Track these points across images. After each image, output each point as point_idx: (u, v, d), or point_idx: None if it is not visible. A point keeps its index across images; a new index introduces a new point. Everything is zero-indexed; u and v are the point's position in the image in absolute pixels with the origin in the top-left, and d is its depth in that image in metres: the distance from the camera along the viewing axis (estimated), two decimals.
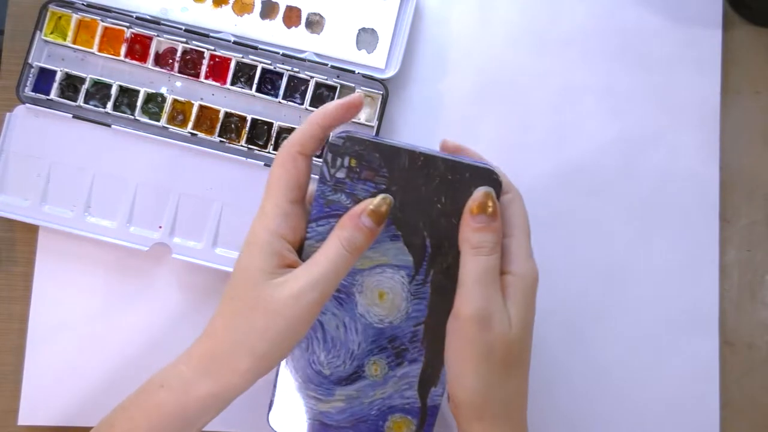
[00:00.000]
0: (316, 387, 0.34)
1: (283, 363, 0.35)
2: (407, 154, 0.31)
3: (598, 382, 0.45)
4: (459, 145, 0.35)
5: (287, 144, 0.32)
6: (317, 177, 0.32)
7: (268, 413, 0.35)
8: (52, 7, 0.42)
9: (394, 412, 0.35)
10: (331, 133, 0.32)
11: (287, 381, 0.34)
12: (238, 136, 0.43)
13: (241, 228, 0.42)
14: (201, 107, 0.43)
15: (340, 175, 0.31)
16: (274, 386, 0.35)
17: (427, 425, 0.35)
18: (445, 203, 0.32)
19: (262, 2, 0.44)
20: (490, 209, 0.31)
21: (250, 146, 0.43)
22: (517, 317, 0.31)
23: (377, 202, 0.31)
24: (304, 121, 0.33)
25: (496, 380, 0.31)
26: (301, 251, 0.32)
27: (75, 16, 0.42)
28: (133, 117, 0.42)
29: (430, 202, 0.32)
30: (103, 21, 0.43)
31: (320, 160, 0.32)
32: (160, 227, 0.42)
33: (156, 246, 0.42)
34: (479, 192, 0.31)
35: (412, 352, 0.34)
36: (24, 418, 0.42)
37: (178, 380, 0.32)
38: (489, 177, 0.32)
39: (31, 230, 0.43)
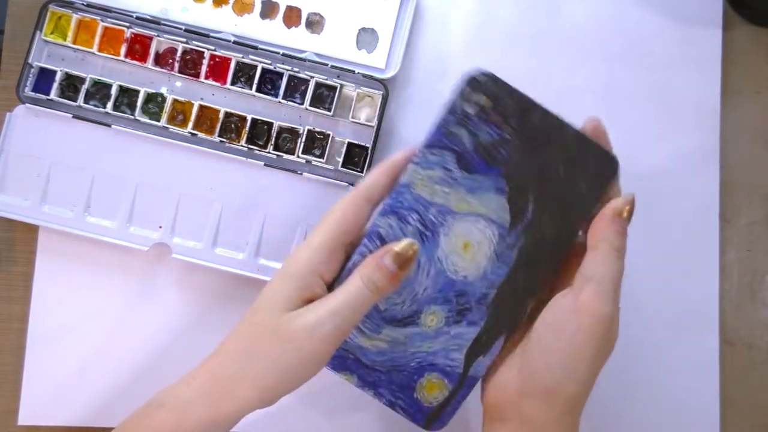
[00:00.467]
0: (366, 319, 0.32)
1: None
2: (543, 113, 0.31)
3: (597, 382, 0.45)
4: (600, 127, 0.33)
5: (357, 188, 0.32)
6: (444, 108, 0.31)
7: None
8: (52, 7, 0.42)
9: (433, 370, 0.33)
10: (476, 70, 0.31)
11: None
12: (238, 136, 0.43)
13: (242, 228, 0.43)
14: (201, 107, 0.43)
15: (470, 110, 0.31)
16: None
17: (460, 395, 0.33)
18: (560, 174, 0.31)
19: (262, 2, 0.44)
20: (629, 217, 0.31)
21: (250, 146, 0.43)
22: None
23: (403, 246, 0.31)
24: (374, 169, 0.32)
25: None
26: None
27: (75, 16, 0.42)
28: (133, 117, 0.42)
29: (546, 168, 0.31)
30: (103, 21, 0.43)
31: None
32: (160, 227, 0.42)
33: (156, 246, 0.42)
34: (629, 196, 0.31)
35: (474, 314, 0.32)
36: (24, 419, 0.42)
37: (179, 401, 0.31)
38: (611, 164, 0.31)
39: (31, 230, 0.43)
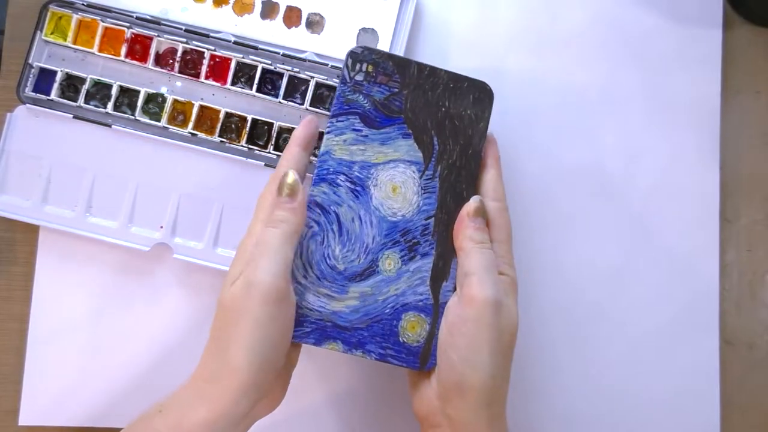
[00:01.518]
0: (330, 284, 0.35)
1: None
2: (416, 64, 0.37)
3: (598, 382, 0.45)
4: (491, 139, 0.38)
5: (292, 141, 0.38)
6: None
7: None
8: (52, 8, 0.42)
9: (407, 310, 0.35)
10: (354, 46, 0.37)
11: (299, 281, 0.34)
12: (239, 136, 0.43)
13: (242, 228, 0.43)
14: (201, 107, 0.43)
15: (359, 77, 0.36)
16: None
17: (438, 324, 0.35)
18: (449, 107, 0.37)
19: (263, 2, 0.44)
20: (483, 215, 0.35)
21: (250, 146, 0.43)
22: (514, 309, 0.34)
23: (281, 176, 0.35)
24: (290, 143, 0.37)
25: (503, 365, 0.33)
26: None
27: (75, 17, 0.42)
28: (133, 117, 0.42)
29: (436, 106, 0.37)
30: (103, 21, 0.43)
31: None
32: (161, 227, 0.43)
33: (157, 246, 0.42)
34: (476, 200, 0.36)
35: (423, 246, 0.36)
36: (24, 419, 0.42)
37: (177, 405, 0.32)
38: (483, 88, 0.37)
39: (32, 230, 0.43)
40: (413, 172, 0.36)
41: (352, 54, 0.36)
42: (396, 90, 0.36)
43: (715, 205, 0.47)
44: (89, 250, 0.43)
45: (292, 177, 0.34)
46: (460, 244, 0.35)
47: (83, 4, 0.42)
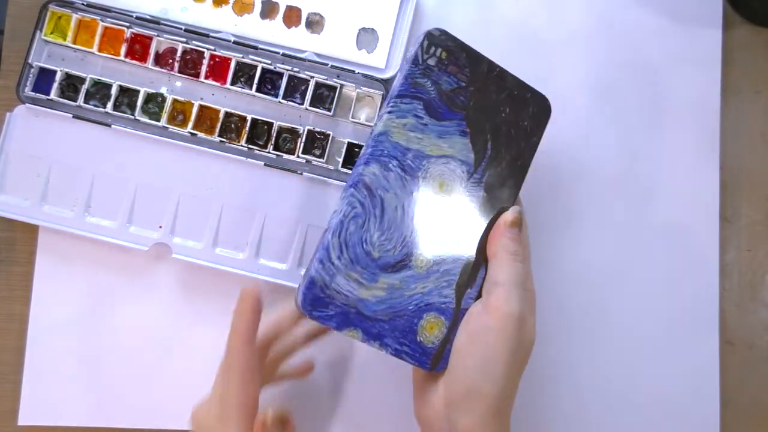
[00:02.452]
0: (362, 269, 0.33)
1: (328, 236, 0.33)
2: (488, 62, 0.36)
3: (598, 382, 0.45)
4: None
5: (236, 335, 0.35)
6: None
7: (304, 293, 0.32)
8: (52, 7, 0.42)
9: (430, 310, 0.34)
10: (432, 28, 0.35)
11: (333, 260, 0.33)
12: (238, 136, 0.43)
13: (242, 228, 0.43)
14: (201, 107, 0.43)
15: (431, 62, 0.34)
16: (311, 263, 0.33)
17: (455, 330, 0.35)
18: (508, 113, 0.36)
19: (262, 2, 0.44)
20: (521, 225, 0.35)
21: (250, 146, 0.43)
22: (534, 328, 0.34)
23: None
24: (238, 311, 0.35)
25: (515, 378, 0.33)
26: None
27: (75, 16, 0.42)
28: (133, 117, 0.42)
29: (497, 110, 0.36)
30: (103, 21, 0.43)
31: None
32: (161, 227, 0.42)
33: (156, 246, 0.42)
34: (515, 209, 0.35)
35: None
36: (24, 419, 0.42)
37: None
38: (543, 102, 0.37)
39: (31, 230, 0.43)
40: (462, 172, 0.35)
41: (429, 36, 0.34)
42: (463, 84, 0.35)
43: (715, 205, 0.47)
44: (88, 250, 0.43)
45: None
46: (494, 251, 0.34)
47: (83, 4, 0.42)
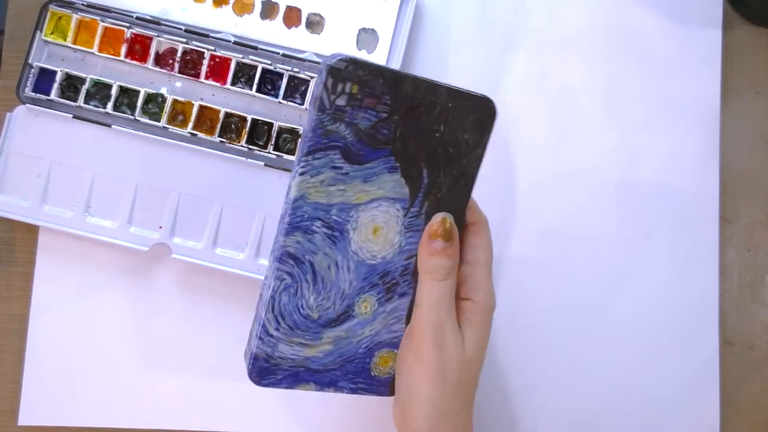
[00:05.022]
0: (303, 332, 0.32)
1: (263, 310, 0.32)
2: (411, 80, 0.30)
3: (598, 382, 0.45)
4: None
5: None
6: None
7: (250, 368, 0.32)
8: (52, 7, 0.42)
9: (381, 347, 0.34)
10: (332, 58, 0.29)
11: (271, 333, 0.32)
12: (238, 137, 0.43)
13: (242, 228, 0.43)
14: (201, 107, 0.43)
15: (341, 102, 0.29)
16: (251, 337, 0.32)
17: None
18: (444, 131, 0.31)
19: (262, 2, 0.44)
20: (448, 236, 0.32)
21: (250, 146, 0.43)
22: (471, 341, 0.33)
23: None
24: None
25: (448, 395, 0.32)
26: None
27: (75, 16, 0.42)
28: (133, 117, 0.42)
29: (430, 132, 0.31)
30: (103, 21, 0.43)
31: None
32: (161, 227, 0.42)
33: (156, 246, 0.42)
34: (438, 217, 0.32)
35: (402, 286, 0.33)
36: (24, 419, 0.42)
37: None
38: (486, 106, 0.32)
39: (31, 230, 0.43)
40: (397, 210, 0.32)
41: (332, 72, 0.29)
42: (385, 115, 0.30)
43: (715, 205, 0.47)
44: (88, 250, 0.43)
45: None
46: (418, 267, 0.33)
47: (83, 4, 0.42)
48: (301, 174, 0.30)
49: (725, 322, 0.46)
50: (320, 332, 0.32)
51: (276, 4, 0.44)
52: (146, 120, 0.43)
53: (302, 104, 0.43)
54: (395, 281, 0.33)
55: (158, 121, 0.43)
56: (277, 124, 0.43)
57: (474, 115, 0.32)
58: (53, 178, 0.42)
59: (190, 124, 0.42)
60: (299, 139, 0.43)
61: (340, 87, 0.29)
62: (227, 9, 0.44)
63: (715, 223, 0.46)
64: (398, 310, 0.33)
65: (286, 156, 0.43)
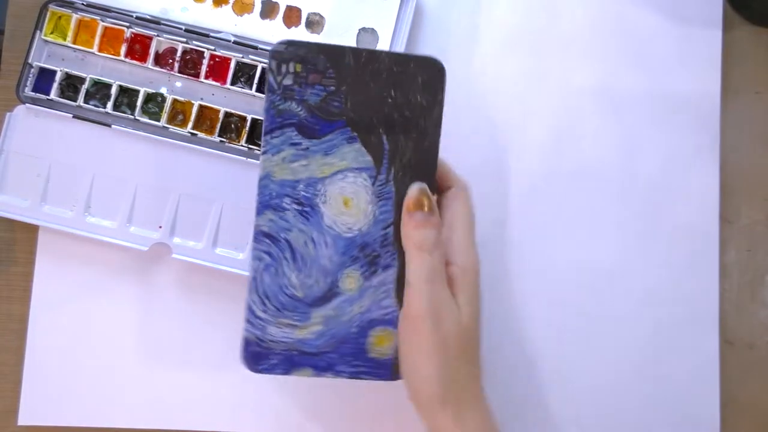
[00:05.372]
0: (291, 313, 0.32)
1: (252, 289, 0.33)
2: (351, 52, 0.32)
3: (598, 382, 0.45)
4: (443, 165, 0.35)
5: None
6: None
7: (243, 354, 0.33)
8: (52, 7, 0.42)
9: (374, 325, 0.33)
10: (273, 45, 0.32)
11: (258, 315, 0.33)
12: (238, 136, 0.43)
13: (242, 228, 0.43)
14: (201, 107, 0.43)
15: (288, 82, 0.31)
16: (244, 321, 0.33)
17: None
18: (396, 96, 0.32)
19: (262, 2, 0.44)
20: (426, 206, 0.32)
21: (250, 146, 0.43)
22: (466, 309, 0.33)
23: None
24: None
25: (455, 366, 0.32)
26: None
27: (75, 16, 0.42)
28: (133, 117, 0.42)
29: (381, 99, 0.32)
30: (103, 21, 0.43)
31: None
32: (160, 227, 0.42)
33: (156, 246, 0.42)
34: (414, 189, 0.33)
35: (384, 258, 0.33)
36: (24, 418, 0.42)
37: None
38: (432, 66, 0.33)
39: (31, 230, 0.43)
40: (364, 179, 0.32)
41: (275, 54, 0.31)
42: (333, 88, 0.32)
43: (715, 205, 0.47)
44: (88, 250, 0.43)
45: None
46: (403, 243, 0.33)
47: (83, 4, 0.42)
48: (263, 153, 0.31)
49: (725, 322, 0.46)
50: (308, 312, 0.33)
51: (276, 3, 0.44)
52: (146, 120, 0.43)
53: None
54: (376, 253, 0.33)
55: (158, 120, 0.43)
56: None
57: (422, 77, 0.32)
58: (53, 177, 0.42)
59: (190, 124, 0.42)
60: None
61: (284, 68, 0.31)
62: (227, 9, 0.44)
63: (715, 223, 0.46)
64: (385, 283, 0.33)
65: None
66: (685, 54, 0.47)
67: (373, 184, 0.33)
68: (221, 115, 0.42)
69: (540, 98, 0.46)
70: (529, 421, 0.45)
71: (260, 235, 0.32)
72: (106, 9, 0.43)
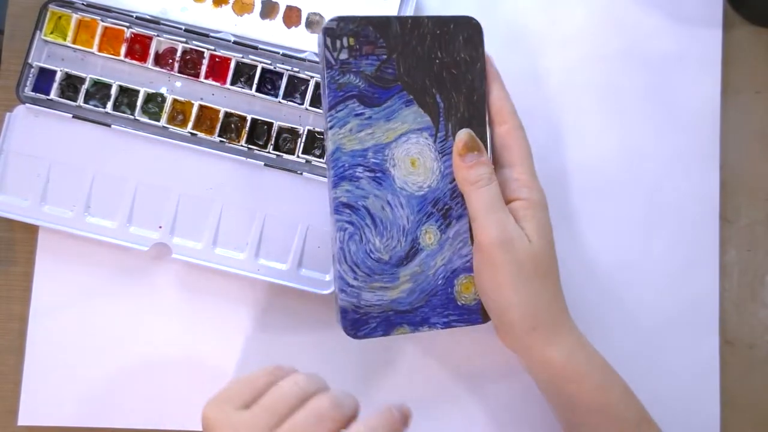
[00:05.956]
0: (380, 276, 0.35)
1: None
2: (396, 21, 0.34)
3: None
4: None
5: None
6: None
7: (342, 322, 0.34)
8: (52, 7, 0.42)
9: (458, 274, 0.36)
10: (324, 23, 0.34)
11: (351, 283, 0.34)
12: (238, 136, 0.43)
13: (242, 228, 0.43)
14: (201, 107, 0.43)
15: (343, 56, 0.33)
16: (336, 295, 0.35)
17: None
18: (442, 57, 0.35)
19: (262, 2, 0.44)
20: (475, 147, 0.35)
21: (250, 146, 0.43)
22: (534, 232, 0.34)
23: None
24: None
25: (535, 290, 0.34)
26: None
27: (75, 16, 0.42)
28: (133, 117, 0.42)
29: (429, 60, 0.35)
30: (103, 21, 0.43)
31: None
32: (160, 227, 0.42)
33: (156, 246, 0.42)
34: (461, 134, 0.35)
35: (456, 209, 0.35)
36: (24, 419, 0.42)
37: None
38: (470, 23, 0.36)
39: (31, 230, 0.43)
40: (426, 138, 0.35)
41: (328, 31, 0.33)
42: (385, 56, 0.34)
43: (715, 205, 0.47)
44: (88, 250, 0.43)
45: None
46: (460, 187, 0.35)
47: (83, 4, 0.42)
48: (331, 128, 0.34)
49: (725, 322, 0.46)
50: (396, 272, 0.35)
51: (276, 3, 0.44)
52: (146, 120, 0.43)
53: (302, 104, 0.43)
54: (448, 206, 0.35)
55: (158, 120, 0.43)
56: (276, 124, 0.43)
57: (463, 35, 0.35)
58: (53, 177, 0.42)
59: (190, 124, 0.42)
60: (298, 139, 0.43)
61: (338, 43, 0.33)
62: (227, 9, 0.44)
63: (715, 223, 0.46)
64: (461, 233, 0.36)
65: (286, 155, 0.43)
66: (685, 54, 0.47)
67: (435, 141, 0.35)
68: (221, 115, 0.42)
69: (540, 98, 0.46)
70: (528, 421, 0.45)
71: (340, 206, 0.34)
72: (106, 9, 0.43)
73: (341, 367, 0.44)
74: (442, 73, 0.35)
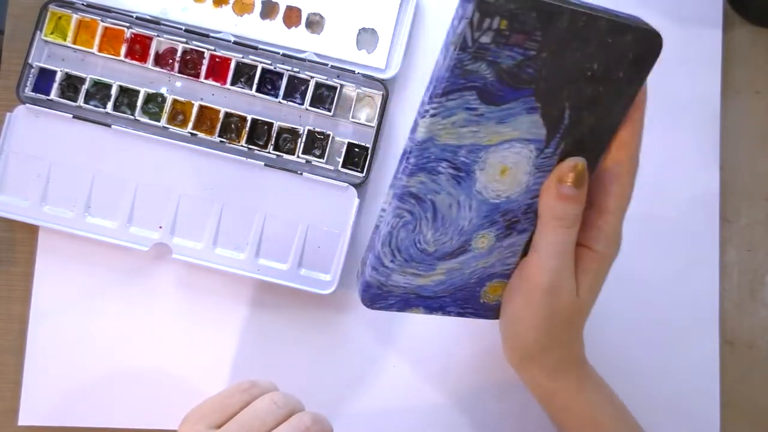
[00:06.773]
0: (418, 264, 0.32)
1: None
2: (569, 14, 0.26)
3: None
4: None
5: None
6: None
7: (363, 294, 0.33)
8: (52, 7, 0.42)
9: (493, 279, 0.34)
10: None
11: (386, 265, 0.31)
12: (238, 136, 0.43)
13: (242, 228, 0.43)
14: (201, 107, 0.43)
15: (485, 39, 0.26)
16: (364, 267, 0.32)
17: None
18: (597, 70, 0.28)
19: (262, 2, 0.44)
20: (579, 182, 0.30)
21: (250, 146, 0.43)
22: (587, 287, 0.32)
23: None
24: None
25: (557, 333, 0.33)
26: None
27: (75, 16, 0.42)
28: (133, 117, 0.42)
29: (581, 69, 0.28)
30: (103, 21, 0.43)
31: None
32: (160, 227, 0.42)
33: (156, 246, 0.42)
34: (574, 163, 0.30)
35: (523, 223, 0.32)
36: (24, 419, 0.42)
37: None
38: (651, 41, 0.28)
39: (31, 230, 0.43)
40: (530, 151, 0.30)
41: (481, 5, 0.25)
42: (533, 53, 0.27)
43: (715, 205, 0.47)
44: (88, 250, 0.43)
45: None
46: (540, 210, 0.31)
47: (83, 4, 0.42)
48: (433, 116, 0.27)
49: (725, 322, 0.46)
50: (434, 264, 0.32)
51: (276, 3, 0.44)
52: (146, 120, 0.43)
53: (302, 104, 0.43)
54: (516, 219, 0.32)
55: (158, 121, 0.43)
56: (277, 124, 0.43)
57: (634, 51, 0.28)
58: (53, 178, 0.42)
59: (190, 124, 0.42)
60: (298, 139, 0.42)
61: (486, 22, 0.25)
62: (227, 9, 0.44)
63: (715, 223, 0.46)
64: (515, 245, 0.33)
65: (286, 156, 0.43)
66: (685, 54, 0.47)
67: (538, 156, 0.30)
68: (221, 116, 0.42)
69: None
70: (528, 421, 0.45)
71: (407, 195, 0.30)
72: (106, 9, 0.43)
73: (341, 367, 0.44)
74: (588, 89, 0.28)
